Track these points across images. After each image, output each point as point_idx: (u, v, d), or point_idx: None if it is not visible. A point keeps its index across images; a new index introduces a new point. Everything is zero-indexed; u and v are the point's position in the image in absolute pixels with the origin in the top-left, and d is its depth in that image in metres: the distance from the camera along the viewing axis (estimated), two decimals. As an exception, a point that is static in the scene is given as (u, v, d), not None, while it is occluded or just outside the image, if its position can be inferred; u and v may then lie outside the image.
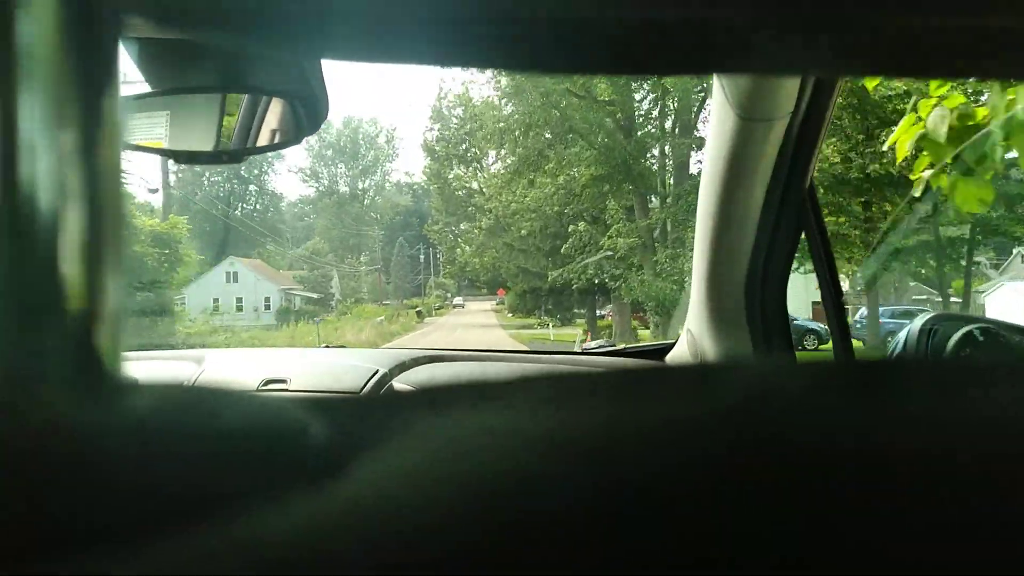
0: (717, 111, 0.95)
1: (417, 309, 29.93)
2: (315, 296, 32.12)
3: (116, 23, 0.18)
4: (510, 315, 26.29)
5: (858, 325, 11.24)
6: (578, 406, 0.17)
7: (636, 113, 14.85)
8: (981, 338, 1.04)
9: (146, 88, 0.83)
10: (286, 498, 0.14)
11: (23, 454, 0.14)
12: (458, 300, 43.11)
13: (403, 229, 46.65)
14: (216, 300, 26.51)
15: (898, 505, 0.13)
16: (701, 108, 14.23)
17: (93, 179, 0.17)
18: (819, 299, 1.03)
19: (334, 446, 0.16)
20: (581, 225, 15.59)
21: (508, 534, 0.13)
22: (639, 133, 14.56)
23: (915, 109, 1.81)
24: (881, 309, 11.32)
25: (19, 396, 0.16)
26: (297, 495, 0.14)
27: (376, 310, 28.32)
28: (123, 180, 0.18)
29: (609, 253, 14.17)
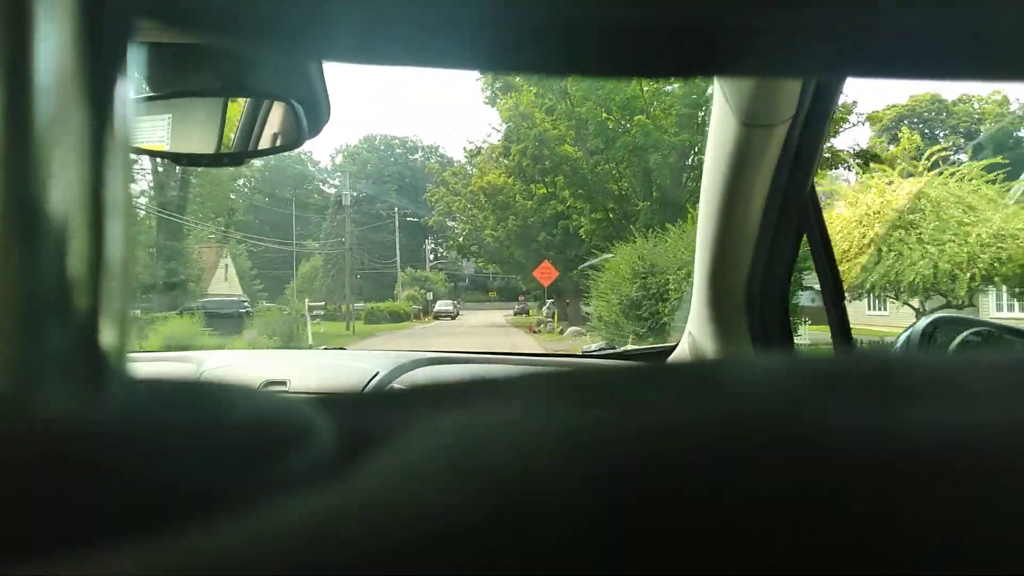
0: (718, 116, 0.95)
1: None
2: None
3: (125, 27, 0.18)
4: (587, 334, 12.37)
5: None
6: (580, 403, 0.17)
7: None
8: (983, 341, 1.04)
9: (149, 91, 0.83)
10: (291, 493, 0.14)
11: (30, 451, 0.14)
12: (443, 305, 27.42)
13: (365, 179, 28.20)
14: None
15: (899, 503, 0.14)
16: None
17: (101, 181, 0.17)
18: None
19: (338, 442, 0.17)
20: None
21: (511, 530, 0.13)
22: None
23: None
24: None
25: (26, 394, 0.16)
26: (302, 490, 0.14)
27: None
28: (131, 182, 0.18)
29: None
